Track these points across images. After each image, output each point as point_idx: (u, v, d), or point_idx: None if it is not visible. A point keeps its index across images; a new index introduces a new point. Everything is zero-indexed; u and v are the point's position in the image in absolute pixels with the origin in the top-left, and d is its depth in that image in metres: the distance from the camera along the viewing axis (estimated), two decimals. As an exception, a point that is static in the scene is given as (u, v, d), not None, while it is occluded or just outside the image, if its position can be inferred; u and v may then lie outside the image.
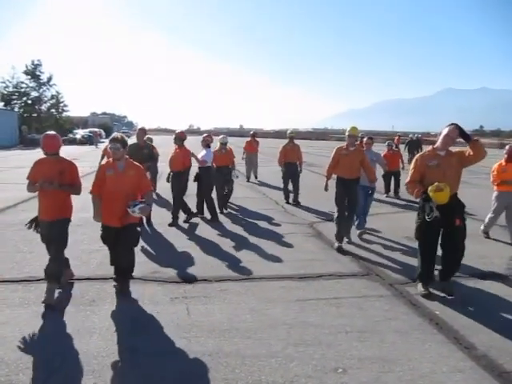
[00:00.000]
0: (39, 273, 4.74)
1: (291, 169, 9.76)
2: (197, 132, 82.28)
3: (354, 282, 4.74)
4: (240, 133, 71.29)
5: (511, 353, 3.26)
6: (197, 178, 7.84)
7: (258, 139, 14.31)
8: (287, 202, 9.69)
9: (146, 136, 8.13)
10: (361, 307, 4.05)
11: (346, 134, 6.12)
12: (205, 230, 7.05)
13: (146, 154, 6.98)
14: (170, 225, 7.24)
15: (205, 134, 8.41)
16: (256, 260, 5.46)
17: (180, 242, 6.31)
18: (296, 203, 9.56)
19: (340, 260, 5.51)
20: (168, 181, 7.61)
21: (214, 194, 7.99)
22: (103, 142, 8.75)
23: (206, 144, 7.90)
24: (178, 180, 7.40)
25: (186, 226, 7.32)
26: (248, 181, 13.50)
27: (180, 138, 7.45)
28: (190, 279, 4.71)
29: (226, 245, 6.15)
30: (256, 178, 13.90)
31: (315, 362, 3.08)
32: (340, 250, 5.85)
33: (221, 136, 8.80)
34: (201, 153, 7.80)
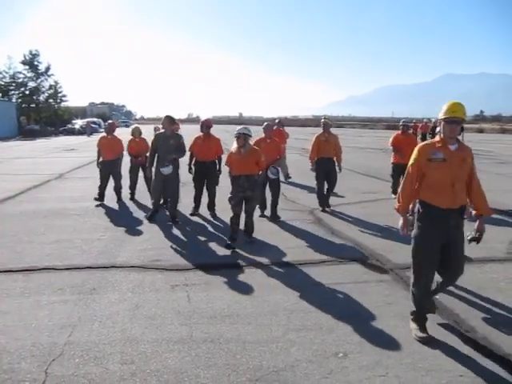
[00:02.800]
0: (39, 263, 4.79)
1: (326, 165, 7.45)
2: (196, 120, 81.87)
3: (354, 267, 4.75)
4: (240, 121, 70.87)
5: (511, 336, 3.27)
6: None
7: (285, 128, 10.96)
8: (323, 210, 7.52)
9: (155, 126, 8.00)
10: (361, 292, 4.06)
11: (441, 116, 3.06)
12: (204, 218, 7.06)
13: (172, 145, 6.53)
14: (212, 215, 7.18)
15: (155, 126, 8.49)
16: (256, 247, 5.46)
17: (180, 229, 6.32)
18: (327, 207, 7.61)
19: (340, 246, 5.51)
20: (190, 172, 7.31)
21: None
22: (101, 133, 8.65)
23: None
24: (212, 170, 7.07)
25: (185, 214, 7.31)
26: (287, 178, 10.94)
27: (207, 125, 7.14)
28: (191, 266, 4.71)
29: (226, 232, 6.14)
30: (287, 177, 10.97)
31: (316, 347, 3.09)
32: (426, 342, 3.14)
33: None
34: None
